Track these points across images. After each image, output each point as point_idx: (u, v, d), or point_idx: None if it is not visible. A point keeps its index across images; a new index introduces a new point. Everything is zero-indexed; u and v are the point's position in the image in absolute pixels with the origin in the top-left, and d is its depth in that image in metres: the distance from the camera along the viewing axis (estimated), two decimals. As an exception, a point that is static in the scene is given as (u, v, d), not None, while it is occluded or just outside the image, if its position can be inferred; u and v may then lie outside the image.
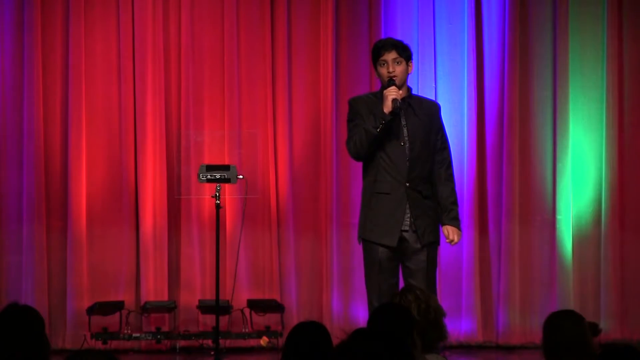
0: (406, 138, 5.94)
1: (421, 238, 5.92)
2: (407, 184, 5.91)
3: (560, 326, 4.06)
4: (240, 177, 7.68)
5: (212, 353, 7.78)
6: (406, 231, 5.92)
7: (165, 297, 8.32)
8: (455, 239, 6.05)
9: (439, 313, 4.18)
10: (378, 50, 6.00)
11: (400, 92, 5.92)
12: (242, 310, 8.23)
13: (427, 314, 4.13)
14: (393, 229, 5.90)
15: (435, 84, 8.56)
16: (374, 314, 4.19)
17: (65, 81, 8.38)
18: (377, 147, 5.90)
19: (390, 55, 5.95)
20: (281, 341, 8.03)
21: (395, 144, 5.91)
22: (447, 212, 6.04)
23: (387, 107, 5.83)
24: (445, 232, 6.04)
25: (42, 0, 8.35)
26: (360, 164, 6.14)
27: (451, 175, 6.12)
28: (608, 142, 8.56)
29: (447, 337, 4.23)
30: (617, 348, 3.54)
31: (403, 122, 5.95)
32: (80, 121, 8.35)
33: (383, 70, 5.97)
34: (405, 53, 5.99)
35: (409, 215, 5.92)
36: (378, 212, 5.94)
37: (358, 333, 3.06)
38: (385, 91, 5.89)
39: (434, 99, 8.07)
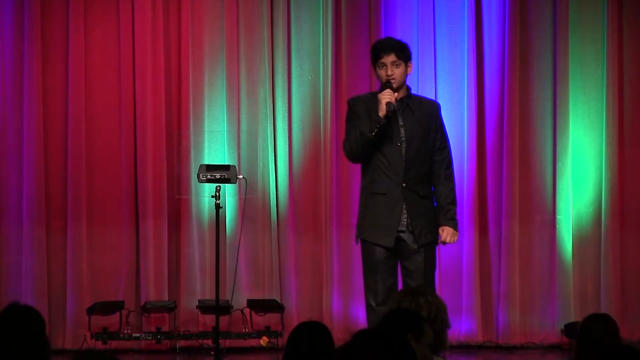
0: (403, 139, 5.92)
1: (418, 239, 5.91)
2: (404, 185, 5.90)
3: (592, 329, 4.08)
4: (240, 177, 7.68)
5: (212, 353, 7.78)
6: (403, 232, 5.91)
7: (166, 297, 8.32)
8: (448, 240, 6.00)
9: (445, 324, 4.14)
10: (377, 52, 5.98)
11: (396, 94, 5.89)
12: (242, 310, 8.22)
13: (434, 323, 4.09)
14: (390, 230, 5.89)
15: (435, 84, 8.56)
16: (385, 319, 4.14)
17: (65, 81, 8.38)
18: (373, 148, 5.90)
19: (389, 58, 5.93)
20: (281, 341, 8.04)
21: (391, 144, 5.90)
22: (445, 212, 6.01)
23: (382, 111, 5.82)
24: (441, 232, 6.02)
25: (42, 0, 8.35)
26: (360, 164, 6.13)
27: (450, 174, 6.10)
28: (608, 142, 8.55)
29: (447, 349, 4.19)
30: (618, 348, 3.54)
31: (400, 123, 5.93)
32: (80, 121, 8.35)
33: (382, 72, 5.96)
34: (404, 55, 5.97)
35: (405, 215, 5.91)
36: (375, 213, 5.93)
37: (361, 334, 3.05)
38: (379, 95, 5.87)
39: (434, 98, 8.06)
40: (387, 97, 5.83)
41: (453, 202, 6.05)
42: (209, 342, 8.15)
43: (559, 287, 8.47)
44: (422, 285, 5.63)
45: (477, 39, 8.58)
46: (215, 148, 8.42)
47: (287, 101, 8.51)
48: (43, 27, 8.35)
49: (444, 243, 6.02)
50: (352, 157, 5.99)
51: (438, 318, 4.12)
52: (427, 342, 3.92)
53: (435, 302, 4.15)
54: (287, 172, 8.49)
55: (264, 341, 7.97)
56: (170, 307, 8.22)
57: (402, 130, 5.93)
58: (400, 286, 6.02)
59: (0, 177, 8.33)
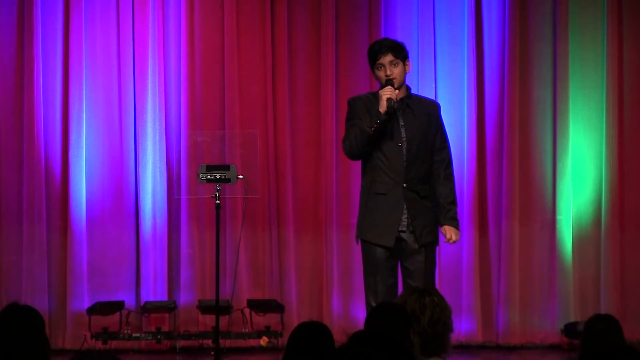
0: (403, 138, 5.92)
1: (419, 238, 5.91)
2: (404, 185, 5.90)
3: (596, 329, 4.08)
4: (240, 177, 7.68)
5: (212, 353, 7.78)
6: (403, 232, 5.90)
7: (165, 297, 8.32)
8: (454, 238, 6.02)
9: (447, 327, 4.11)
10: (374, 54, 5.98)
11: (397, 91, 5.90)
12: (242, 310, 8.23)
13: (436, 325, 4.08)
14: (390, 230, 5.89)
15: (435, 84, 8.56)
16: (370, 315, 4.17)
17: (65, 81, 8.39)
18: (373, 147, 5.89)
19: (387, 59, 5.93)
20: (281, 341, 8.04)
21: (392, 144, 5.90)
22: (445, 212, 6.01)
23: (383, 107, 5.81)
24: (443, 231, 6.02)
25: (42, 0, 8.35)
26: (360, 164, 6.13)
27: (450, 174, 6.10)
28: (608, 142, 8.56)
29: (448, 352, 4.17)
30: (622, 349, 3.53)
31: (401, 123, 5.93)
32: (80, 121, 8.36)
33: (380, 73, 5.96)
34: (401, 54, 5.97)
35: (406, 215, 5.91)
36: (375, 213, 5.93)
37: (358, 336, 3.05)
38: (380, 91, 5.87)
39: (434, 98, 8.06)
40: (388, 93, 5.83)
41: (453, 202, 6.05)
42: (209, 342, 8.15)
43: (559, 287, 8.47)
44: (431, 286, 5.62)
45: (477, 39, 8.59)
46: (215, 148, 8.42)
47: (287, 101, 8.51)
48: (43, 27, 8.35)
49: (450, 241, 6.01)
50: (352, 154, 5.99)
51: (441, 320, 4.10)
52: (416, 333, 3.93)
53: (441, 305, 4.13)
54: (287, 172, 8.49)
55: (264, 341, 7.97)
56: (170, 307, 8.22)
57: (403, 130, 5.93)
58: (400, 286, 6.03)
59: (0, 177, 8.33)
